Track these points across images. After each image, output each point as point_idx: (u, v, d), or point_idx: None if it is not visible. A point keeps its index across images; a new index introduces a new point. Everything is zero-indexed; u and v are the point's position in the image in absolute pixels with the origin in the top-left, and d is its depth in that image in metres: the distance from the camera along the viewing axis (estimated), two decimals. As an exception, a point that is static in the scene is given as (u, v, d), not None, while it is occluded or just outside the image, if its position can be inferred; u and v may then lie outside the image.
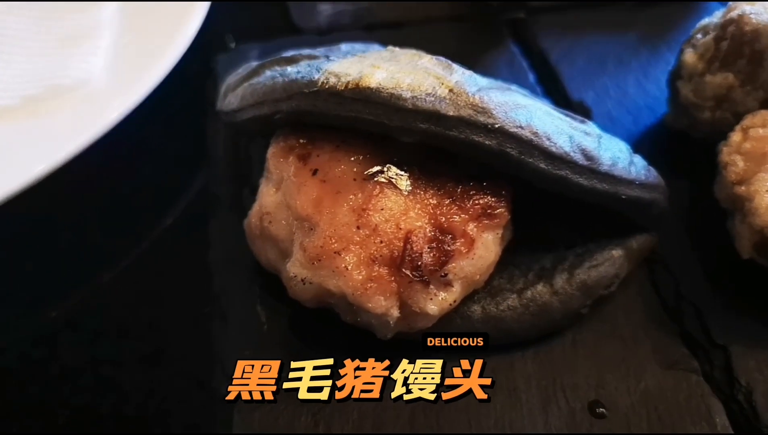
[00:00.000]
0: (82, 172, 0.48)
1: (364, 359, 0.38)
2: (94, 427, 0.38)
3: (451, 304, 0.36)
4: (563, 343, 0.41)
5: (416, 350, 0.39)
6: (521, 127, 0.34)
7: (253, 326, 0.41)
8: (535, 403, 0.38)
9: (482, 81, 0.36)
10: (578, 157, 0.35)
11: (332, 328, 0.39)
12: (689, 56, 0.47)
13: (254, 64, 0.43)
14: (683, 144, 0.51)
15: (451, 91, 0.34)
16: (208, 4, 0.57)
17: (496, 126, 0.33)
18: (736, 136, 0.43)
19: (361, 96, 0.34)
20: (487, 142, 0.34)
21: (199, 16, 0.56)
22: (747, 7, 0.45)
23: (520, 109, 0.35)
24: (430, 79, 0.35)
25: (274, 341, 0.41)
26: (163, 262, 0.47)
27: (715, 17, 0.49)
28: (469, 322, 0.38)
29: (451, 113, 0.33)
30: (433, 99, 0.34)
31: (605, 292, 0.40)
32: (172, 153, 0.55)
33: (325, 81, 0.35)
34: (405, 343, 0.38)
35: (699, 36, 0.48)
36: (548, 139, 0.34)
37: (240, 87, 0.41)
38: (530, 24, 0.64)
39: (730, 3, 0.49)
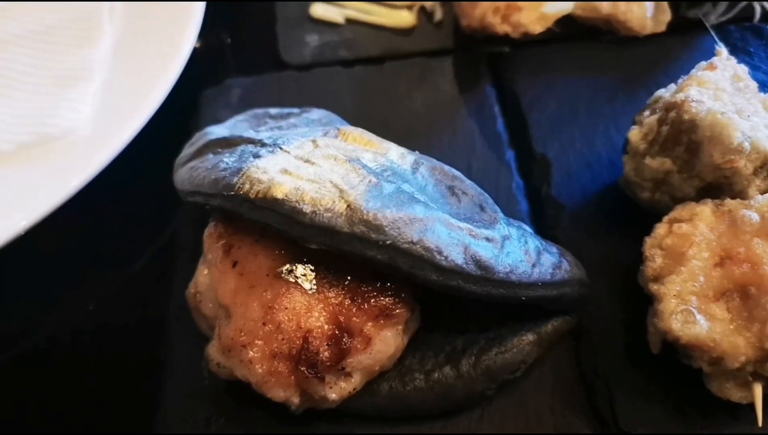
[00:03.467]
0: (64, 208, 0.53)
1: (283, 422, 0.43)
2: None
3: (350, 392, 0.39)
4: (470, 418, 0.44)
5: (330, 417, 0.43)
6: (413, 242, 0.36)
7: (196, 379, 0.46)
8: (435, 474, 0.42)
9: (389, 189, 0.39)
10: (471, 268, 0.37)
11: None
12: (634, 134, 0.47)
13: (204, 137, 0.46)
14: (633, 210, 0.51)
15: (348, 207, 0.37)
16: (191, 46, 0.60)
17: (387, 242, 0.36)
18: (660, 229, 0.44)
19: (267, 205, 0.37)
20: (378, 257, 0.36)
21: (182, 62, 0.59)
22: (694, 91, 0.45)
23: (416, 224, 0.37)
24: (332, 193, 0.37)
25: (209, 396, 0.46)
26: (130, 304, 0.53)
27: (668, 91, 0.48)
28: (377, 399, 0.42)
29: (345, 230, 0.36)
30: (330, 215, 0.36)
31: (510, 376, 0.43)
32: (151, 193, 0.59)
33: (241, 186, 0.38)
34: (322, 412, 0.42)
35: (647, 112, 0.48)
36: (439, 254, 0.37)
37: (185, 166, 0.44)
38: (511, 60, 0.64)
39: (692, 74, 0.48)
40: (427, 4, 0.69)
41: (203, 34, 0.63)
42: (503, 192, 0.55)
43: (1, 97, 0.59)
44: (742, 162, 0.42)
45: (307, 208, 0.37)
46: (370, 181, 0.39)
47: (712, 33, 0.61)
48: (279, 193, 0.37)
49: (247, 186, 0.38)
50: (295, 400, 0.38)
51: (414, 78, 0.64)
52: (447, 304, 0.44)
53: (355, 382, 0.39)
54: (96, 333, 0.51)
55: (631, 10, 0.62)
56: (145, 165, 0.60)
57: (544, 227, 0.53)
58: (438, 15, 0.68)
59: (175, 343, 0.49)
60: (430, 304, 0.43)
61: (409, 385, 0.42)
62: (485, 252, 0.38)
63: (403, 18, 0.68)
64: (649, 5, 0.63)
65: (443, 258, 0.37)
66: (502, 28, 0.59)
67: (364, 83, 0.63)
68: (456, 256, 0.37)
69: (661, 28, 0.64)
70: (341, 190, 0.37)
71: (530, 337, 0.43)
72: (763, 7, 0.67)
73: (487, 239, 0.39)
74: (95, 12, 0.64)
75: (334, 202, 0.37)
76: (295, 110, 0.50)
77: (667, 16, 0.64)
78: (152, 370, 0.48)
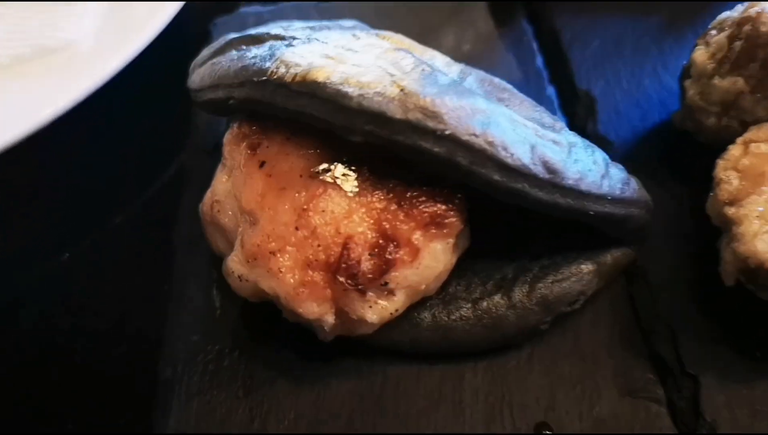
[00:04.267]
0: (62, 136, 0.48)
1: (304, 357, 0.38)
2: (41, 395, 0.39)
3: (392, 313, 0.34)
4: (519, 357, 0.39)
5: (359, 351, 0.38)
6: (475, 135, 0.31)
7: (207, 311, 0.41)
8: (479, 418, 0.37)
9: (444, 80, 0.34)
10: (538, 170, 0.33)
11: (282, 321, 0.38)
12: (699, 54, 0.43)
13: (224, 39, 0.41)
14: (690, 147, 0.47)
15: (402, 90, 0.32)
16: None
17: (447, 132, 0.31)
18: (735, 150, 0.39)
19: (307, 89, 0.32)
20: (435, 150, 0.31)
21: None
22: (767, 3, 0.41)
23: (478, 115, 0.32)
24: (383, 76, 0.32)
25: (223, 329, 0.40)
26: (133, 235, 0.47)
27: (735, 11, 0.44)
28: (417, 330, 0.37)
29: (398, 116, 0.31)
30: (380, 99, 0.31)
31: (568, 309, 0.38)
32: (156, 121, 0.54)
33: (274, 70, 0.33)
34: (349, 343, 0.37)
35: (713, 32, 0.44)
36: (505, 150, 0.32)
37: (204, 65, 0.39)
38: (547, 1, 0.60)
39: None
40: (456, -57, 0.64)
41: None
42: (545, 129, 0.50)
43: (-3, 10, 0.53)
44: (828, 77, 0.38)
45: (353, 91, 0.31)
46: (423, 70, 0.34)
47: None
48: (320, 76, 0.32)
49: (282, 69, 0.33)
50: (330, 318, 0.33)
51: (445, 13, 0.59)
52: (494, 227, 0.39)
53: (398, 301, 0.34)
54: (98, 268, 0.46)
55: (678, -51, 0.58)
56: (153, 93, 0.56)
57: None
58: (469, -47, 0.64)
59: (183, 275, 0.44)
60: (476, 226, 0.38)
61: (455, 314, 0.37)
62: (554, 154, 0.33)
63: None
64: (696, -54, 0.59)
65: (509, 154, 0.32)
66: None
67: (391, 16, 0.59)
68: (522, 155, 0.32)
69: (707, -30, 0.59)
70: (392, 75, 0.33)
71: (589, 265, 0.38)
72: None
73: (554, 142, 0.34)
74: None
75: (384, 85, 0.32)
76: (326, 22, 0.45)
77: (713, -41, 0.60)
78: (159, 304, 0.42)
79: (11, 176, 0.50)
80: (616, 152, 0.48)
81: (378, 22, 0.58)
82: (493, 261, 0.39)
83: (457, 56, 0.55)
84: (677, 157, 0.47)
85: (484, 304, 0.37)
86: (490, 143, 0.32)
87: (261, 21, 0.58)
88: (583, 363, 0.39)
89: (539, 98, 0.52)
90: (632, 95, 0.52)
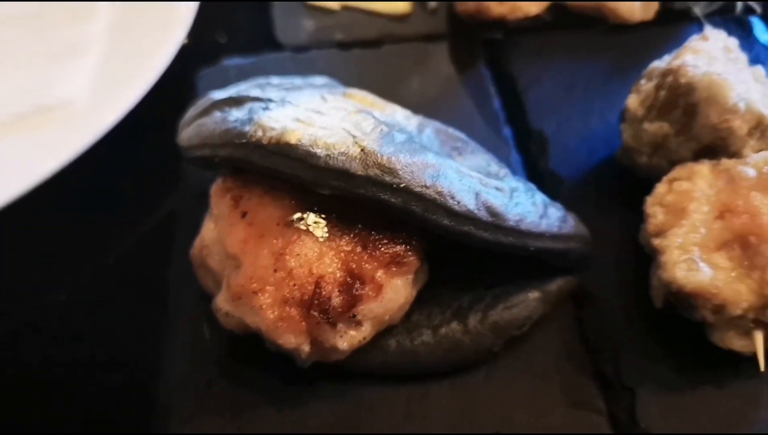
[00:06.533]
0: (57, 181, 0.52)
1: (286, 382, 0.42)
2: (43, 421, 0.44)
3: (360, 341, 0.39)
4: (477, 376, 0.44)
5: (335, 376, 0.43)
6: (426, 186, 0.37)
7: (197, 343, 0.46)
8: (443, 431, 0.42)
9: (400, 138, 0.39)
10: (482, 214, 0.38)
11: (264, 351, 0.43)
12: (632, 101, 0.49)
13: (209, 100, 0.46)
14: (630, 181, 0.52)
15: (362, 150, 0.37)
16: (189, 22, 0.60)
17: (401, 185, 0.36)
18: (661, 188, 0.45)
19: (281, 151, 0.37)
20: (392, 200, 0.36)
21: (179, 38, 0.59)
22: (689, 57, 0.46)
23: (428, 169, 0.37)
24: (346, 138, 0.37)
25: (212, 359, 0.45)
26: (129, 273, 0.52)
27: (663, 62, 0.50)
28: (385, 355, 0.42)
29: (359, 172, 0.36)
30: (344, 158, 0.36)
31: (517, 332, 0.43)
32: (148, 168, 0.58)
33: (253, 133, 0.38)
34: (326, 368, 0.42)
35: (643, 81, 0.49)
36: (452, 198, 0.37)
37: (191, 125, 0.44)
38: (505, 45, 0.65)
39: (685, 44, 0.50)
40: (422, -7, 0.70)
41: (199, 17, 0.63)
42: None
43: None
44: (738, 122, 0.44)
45: (321, 152, 0.37)
46: (381, 130, 0.39)
47: (701, 18, 0.63)
48: (292, 138, 0.37)
49: (259, 133, 0.38)
50: (306, 347, 0.38)
51: (411, 61, 0.65)
52: (453, 261, 0.44)
53: (365, 331, 0.39)
54: (95, 303, 0.50)
55: (621, -2, 0.64)
56: (143, 142, 0.60)
57: (542, 199, 0.54)
58: (432, 3, 0.70)
59: (175, 310, 0.48)
60: (436, 261, 0.43)
61: (417, 340, 0.42)
62: (496, 199, 0.39)
63: (398, 6, 0.70)
64: (638, -6, 0.65)
65: (456, 202, 0.37)
66: (498, 10, 0.61)
67: (361, 65, 0.64)
68: (468, 201, 0.38)
69: (649, 16, 0.66)
70: (354, 136, 0.38)
71: (536, 293, 0.43)
72: (745, 3, 0.69)
73: (497, 189, 0.40)
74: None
75: (347, 146, 0.37)
76: (298, 78, 0.50)
77: (654, 5, 0.66)
78: (153, 336, 0.47)
79: (19, 219, 0.54)
80: (565, 187, 0.54)
81: (349, 68, 0.64)
82: (451, 291, 0.44)
83: (423, 100, 0.61)
84: (619, 190, 0.53)
85: (443, 330, 0.42)
86: (440, 193, 0.37)
87: (242, 72, 0.63)
88: (534, 380, 0.44)
89: (496, 138, 0.58)
90: (581, 134, 0.57)
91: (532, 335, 0.45)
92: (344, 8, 0.70)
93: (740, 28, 0.67)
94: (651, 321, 0.45)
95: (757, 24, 0.68)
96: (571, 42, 0.65)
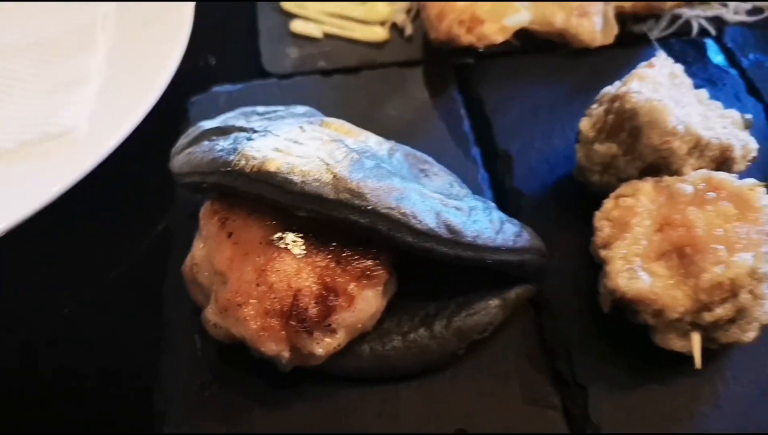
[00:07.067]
0: (61, 203, 0.56)
1: (271, 386, 0.47)
2: (45, 425, 0.48)
3: (336, 347, 0.44)
4: (443, 378, 0.48)
5: (316, 379, 0.47)
6: (391, 208, 0.41)
7: (190, 352, 0.50)
8: (412, 428, 0.46)
9: (369, 164, 0.44)
10: (442, 232, 0.42)
11: (250, 358, 0.47)
12: (584, 124, 0.53)
13: (198, 129, 0.51)
14: (586, 196, 0.56)
15: (334, 177, 0.42)
16: (181, 52, 0.65)
17: (369, 208, 0.41)
18: (608, 204, 0.49)
19: (262, 178, 0.42)
20: (361, 221, 0.41)
21: (173, 67, 0.63)
22: (635, 84, 0.51)
23: (394, 192, 0.42)
24: (320, 166, 0.42)
25: (204, 366, 0.49)
26: (128, 287, 0.56)
27: (613, 87, 0.54)
28: (360, 359, 0.46)
29: (331, 196, 0.41)
30: (318, 184, 0.41)
31: (479, 337, 0.47)
32: (145, 190, 0.63)
33: (237, 162, 0.43)
34: (309, 372, 0.46)
35: (595, 105, 0.54)
36: (415, 218, 0.42)
37: (182, 153, 0.49)
38: (476, 70, 0.70)
39: (633, 71, 0.55)
40: (399, 20, 0.75)
41: (191, 47, 0.68)
42: (470, 184, 0.59)
43: (3, 102, 0.63)
44: (677, 143, 0.48)
45: (297, 179, 0.41)
46: (352, 157, 0.44)
47: (654, 43, 0.68)
48: (272, 167, 0.42)
49: (243, 162, 0.43)
50: (286, 354, 0.42)
51: (388, 86, 0.69)
52: (421, 273, 0.49)
53: (339, 338, 0.43)
54: (97, 315, 0.55)
55: (582, 24, 0.69)
56: (140, 166, 0.64)
57: (507, 214, 0.58)
58: (408, 30, 0.74)
59: (170, 321, 0.53)
60: (406, 273, 0.48)
61: (388, 345, 0.46)
62: (455, 218, 0.43)
63: (377, 33, 0.74)
64: (598, 20, 0.70)
65: (418, 221, 0.42)
66: (467, 39, 0.65)
67: (342, 90, 0.69)
68: (429, 221, 0.42)
69: (609, 40, 0.70)
70: (327, 164, 0.42)
71: (496, 301, 0.48)
72: (699, 23, 0.74)
73: (457, 208, 0.44)
74: (90, 22, 0.68)
75: (321, 173, 0.42)
76: (281, 107, 0.55)
77: (614, 30, 0.71)
78: (150, 346, 0.51)
79: (27, 238, 0.58)
80: (527, 202, 0.59)
81: (330, 94, 0.69)
82: (418, 301, 0.48)
83: (398, 122, 0.66)
84: (576, 205, 0.57)
85: (412, 336, 0.46)
86: (403, 214, 0.42)
87: (231, 99, 0.68)
88: (495, 380, 0.48)
89: (465, 158, 0.62)
90: (544, 153, 0.62)
91: (494, 339, 0.50)
92: (327, 36, 0.75)
93: (695, 50, 0.72)
94: (602, 324, 0.50)
95: (711, 46, 0.73)
96: (536, 66, 0.70)
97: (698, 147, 0.49)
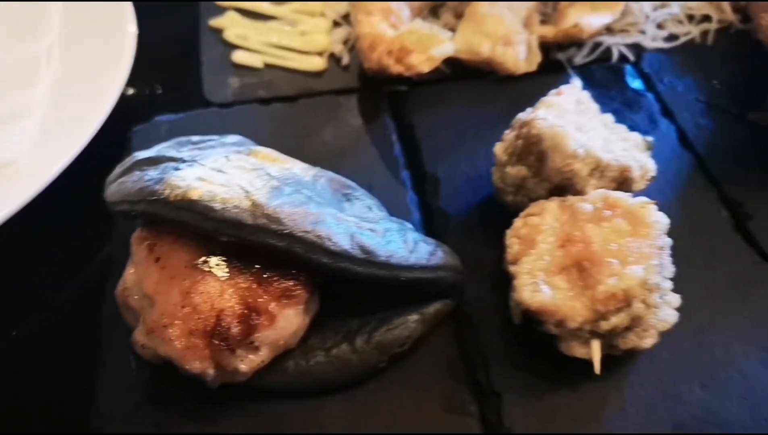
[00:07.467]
0: (4, 232, 0.58)
1: (201, 401, 0.49)
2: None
3: (259, 363, 0.46)
4: (367, 389, 0.51)
5: (244, 395, 0.50)
6: (307, 231, 0.44)
7: (125, 372, 0.52)
8: (335, 438, 0.49)
9: (288, 190, 0.47)
10: (356, 252, 0.46)
11: (181, 376, 0.50)
12: (498, 148, 0.57)
13: (132, 159, 0.53)
14: (504, 216, 0.60)
15: (253, 203, 0.44)
16: (122, 82, 0.68)
17: (285, 232, 0.44)
18: (518, 222, 0.53)
19: (185, 206, 0.45)
20: (278, 244, 0.44)
21: (114, 98, 0.66)
22: (541, 111, 0.55)
23: (309, 217, 0.45)
24: (240, 193, 0.45)
25: (138, 385, 0.51)
26: (70, 313, 0.58)
27: (525, 113, 0.58)
28: (285, 375, 0.49)
29: (249, 222, 0.44)
30: (237, 210, 0.44)
31: (399, 350, 0.51)
32: (87, 218, 0.65)
33: (162, 191, 0.46)
34: (237, 389, 0.49)
35: (507, 131, 0.58)
36: (329, 240, 0.45)
37: (115, 182, 0.51)
38: (408, 97, 0.74)
39: (542, 99, 0.59)
40: (337, 50, 0.79)
41: (137, 77, 0.71)
42: (400, 205, 0.63)
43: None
44: (579, 165, 0.52)
45: (218, 206, 0.44)
46: (272, 186, 0.47)
47: (569, 70, 0.73)
48: (194, 195, 0.45)
49: (167, 191, 0.45)
50: (211, 371, 0.45)
51: (324, 113, 0.73)
52: (346, 292, 0.52)
53: (263, 355, 0.46)
54: (40, 340, 0.57)
55: (507, 53, 0.73)
56: (83, 194, 0.66)
57: (434, 233, 0.61)
58: (345, 60, 0.78)
59: (107, 344, 0.55)
60: (331, 292, 0.51)
61: (312, 360, 0.49)
62: (369, 240, 0.47)
63: (315, 62, 0.78)
64: (522, 49, 0.75)
65: (333, 243, 0.45)
66: (396, 69, 0.69)
67: (279, 118, 0.72)
68: (343, 242, 0.45)
69: (533, 68, 0.75)
70: (247, 192, 0.45)
71: (415, 316, 0.51)
72: (619, 50, 0.79)
73: (371, 230, 0.47)
74: (34, 56, 0.71)
75: (240, 200, 0.45)
76: (215, 137, 0.58)
77: (537, 58, 0.75)
78: (88, 369, 0.53)
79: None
80: (452, 222, 0.62)
81: (268, 122, 0.72)
82: (342, 318, 0.51)
83: (333, 148, 0.69)
84: (496, 224, 0.60)
85: (334, 351, 0.49)
86: (319, 236, 0.45)
87: (173, 128, 0.71)
88: (416, 390, 0.51)
89: (395, 181, 0.66)
90: (468, 176, 0.66)
91: (417, 352, 0.53)
92: (267, 66, 0.78)
93: (615, 75, 0.77)
94: (517, 335, 0.53)
95: (629, 71, 0.78)
96: (465, 92, 0.74)
97: (599, 168, 0.53)
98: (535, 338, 0.52)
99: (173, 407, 0.50)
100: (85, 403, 0.52)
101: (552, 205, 0.52)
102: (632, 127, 0.70)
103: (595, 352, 0.48)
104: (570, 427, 0.50)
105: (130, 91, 0.74)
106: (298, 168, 0.53)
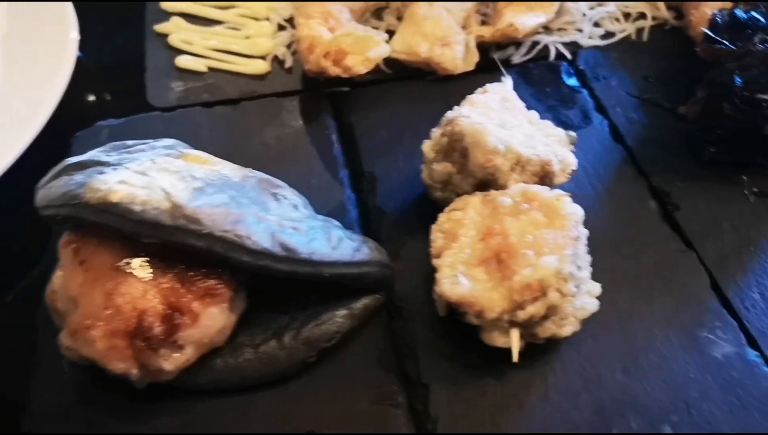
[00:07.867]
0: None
1: (132, 401, 0.50)
2: None
3: (185, 362, 0.47)
4: (297, 384, 0.52)
5: (173, 394, 0.51)
6: (226, 231, 0.45)
7: (58, 374, 0.53)
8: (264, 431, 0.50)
9: (211, 191, 0.48)
10: (277, 250, 0.47)
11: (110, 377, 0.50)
12: (426, 146, 0.59)
13: (62, 165, 0.54)
14: (437, 212, 0.61)
15: (173, 205, 0.45)
16: (62, 89, 0.68)
17: (205, 232, 0.45)
18: (442, 217, 0.55)
19: (105, 208, 0.45)
20: (198, 244, 0.45)
21: (53, 105, 0.67)
22: (465, 109, 0.57)
23: (229, 217, 0.46)
24: (160, 195, 0.46)
25: (70, 386, 0.52)
26: (7, 319, 0.59)
27: (452, 112, 0.60)
28: (213, 373, 0.50)
29: (168, 223, 0.45)
30: (156, 212, 0.45)
31: (328, 344, 0.52)
32: (26, 222, 0.65)
33: (83, 194, 0.46)
34: (167, 388, 0.50)
35: (435, 129, 0.60)
36: (249, 239, 0.46)
37: (44, 187, 0.52)
38: (349, 98, 0.75)
39: (468, 97, 0.60)
40: (280, 54, 0.80)
41: (82, 84, 0.71)
42: (337, 204, 0.65)
43: None
44: (500, 160, 0.54)
45: (137, 208, 0.45)
46: (195, 187, 0.48)
47: (502, 69, 0.74)
48: (114, 198, 0.45)
49: (89, 194, 0.46)
50: (134, 371, 0.46)
51: (265, 115, 0.74)
52: (275, 289, 0.53)
53: (188, 353, 0.47)
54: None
55: (445, 53, 0.75)
56: (22, 201, 0.67)
57: (370, 231, 0.63)
58: (288, 63, 0.79)
59: (40, 348, 0.55)
60: (260, 291, 0.52)
61: (240, 358, 0.50)
62: (291, 238, 0.48)
63: (259, 66, 0.79)
64: (459, 49, 0.76)
65: (252, 242, 0.46)
66: (334, 70, 0.70)
67: (221, 121, 0.73)
68: (263, 241, 0.46)
69: (471, 67, 0.77)
70: (168, 193, 0.46)
71: (343, 311, 0.52)
72: (556, 48, 0.81)
73: (294, 229, 0.49)
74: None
75: (160, 202, 0.45)
76: (149, 141, 0.59)
77: (475, 57, 0.77)
78: (23, 371, 0.54)
79: None
80: (388, 219, 0.64)
81: (210, 125, 0.72)
82: (272, 314, 0.52)
83: (273, 149, 0.70)
84: (430, 219, 0.62)
85: (263, 347, 0.50)
86: (239, 236, 0.46)
87: (114, 133, 0.72)
88: (345, 383, 0.52)
89: (334, 180, 0.67)
90: (405, 174, 0.67)
91: (348, 346, 0.54)
92: (211, 70, 0.79)
93: (551, 73, 0.79)
94: (444, 326, 0.55)
95: (565, 69, 0.80)
96: (405, 92, 0.76)
97: (519, 163, 0.55)
98: (462, 329, 0.53)
99: (105, 408, 0.51)
100: (18, 405, 0.52)
101: (475, 199, 0.54)
102: (566, 123, 0.73)
103: (513, 340, 0.50)
104: (494, 413, 0.51)
105: (76, 98, 0.75)
106: (227, 170, 0.54)
